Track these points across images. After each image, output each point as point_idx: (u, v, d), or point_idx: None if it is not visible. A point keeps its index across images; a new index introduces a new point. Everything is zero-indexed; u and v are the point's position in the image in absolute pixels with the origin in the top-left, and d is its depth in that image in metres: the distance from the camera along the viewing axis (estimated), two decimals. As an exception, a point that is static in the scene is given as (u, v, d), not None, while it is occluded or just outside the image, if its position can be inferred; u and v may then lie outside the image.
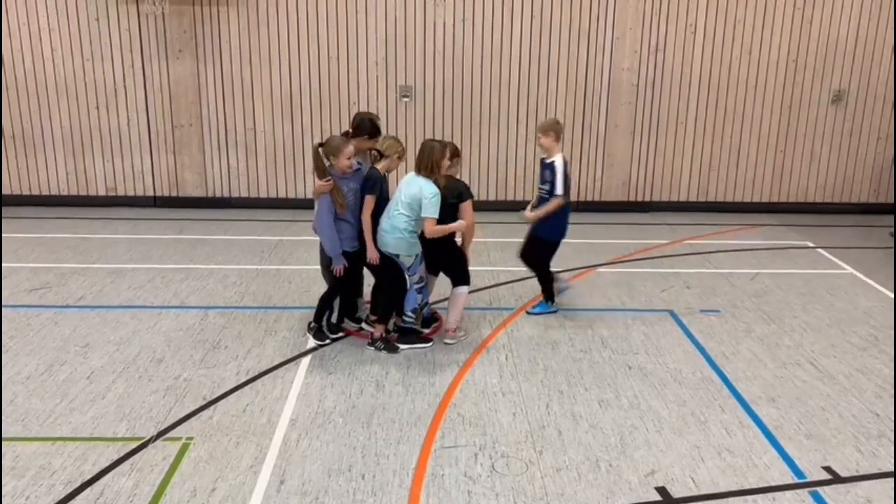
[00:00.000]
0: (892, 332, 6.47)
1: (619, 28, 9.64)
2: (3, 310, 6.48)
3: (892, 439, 4.85)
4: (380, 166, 5.80)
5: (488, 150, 10.06)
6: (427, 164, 5.65)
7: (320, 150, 5.63)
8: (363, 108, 9.73)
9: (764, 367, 5.81)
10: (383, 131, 6.27)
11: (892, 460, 4.63)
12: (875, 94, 10.01)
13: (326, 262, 6.08)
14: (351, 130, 5.99)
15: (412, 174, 5.76)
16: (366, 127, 5.97)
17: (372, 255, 5.80)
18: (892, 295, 7.31)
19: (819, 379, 5.63)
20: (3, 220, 9.02)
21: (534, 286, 7.36)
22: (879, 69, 9.92)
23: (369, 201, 5.69)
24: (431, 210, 5.62)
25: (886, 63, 9.89)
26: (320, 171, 5.63)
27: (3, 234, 8.53)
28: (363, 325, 6.33)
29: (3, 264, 7.64)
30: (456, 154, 5.94)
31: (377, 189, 5.70)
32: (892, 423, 5.04)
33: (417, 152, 5.76)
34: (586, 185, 10.22)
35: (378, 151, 5.81)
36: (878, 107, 10.06)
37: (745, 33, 9.73)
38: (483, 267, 7.65)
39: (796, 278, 7.73)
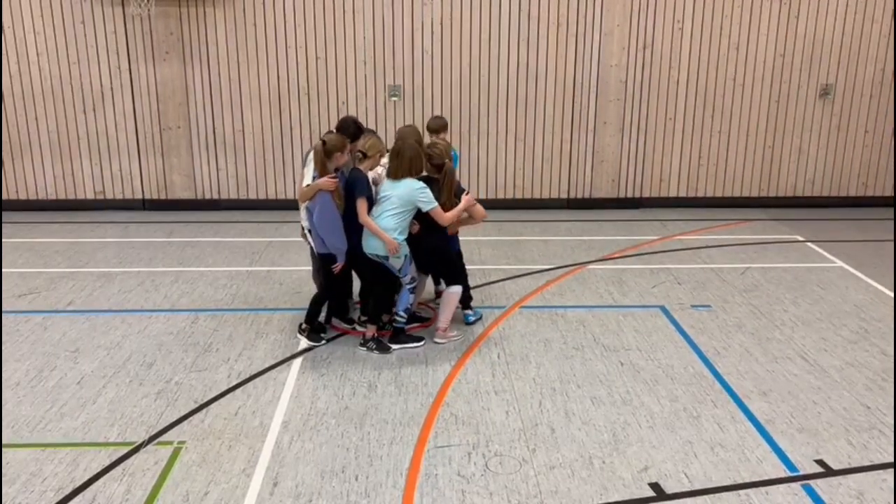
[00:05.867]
0: (882, 325, 6.50)
1: (606, 25, 9.65)
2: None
3: (885, 431, 4.87)
4: (363, 166, 5.77)
5: (477, 149, 10.06)
6: (406, 170, 5.64)
7: (323, 148, 5.60)
8: (352, 108, 9.72)
9: (755, 361, 5.83)
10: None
11: (885, 452, 4.65)
12: (862, 89, 10.06)
13: (317, 264, 6.08)
14: (334, 131, 5.98)
15: (391, 181, 5.72)
16: (349, 128, 5.96)
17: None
18: (881, 287, 7.34)
19: (810, 372, 5.66)
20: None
21: (525, 284, 7.37)
22: (866, 63, 9.96)
23: (362, 203, 5.65)
24: (431, 202, 5.63)
25: (873, 57, 9.93)
26: (324, 169, 5.61)
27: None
28: (356, 325, 6.33)
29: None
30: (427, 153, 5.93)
31: (366, 190, 5.67)
32: (884, 416, 5.06)
33: (392, 156, 5.71)
34: (576, 182, 10.23)
35: (361, 152, 5.77)
36: (866, 101, 10.10)
37: (733, 29, 9.75)
38: (474, 266, 7.65)
39: (786, 272, 7.77)
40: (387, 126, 9.72)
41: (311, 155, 5.73)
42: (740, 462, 4.53)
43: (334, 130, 6.02)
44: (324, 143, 5.60)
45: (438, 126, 6.65)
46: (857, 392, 5.37)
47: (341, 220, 5.68)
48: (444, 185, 5.84)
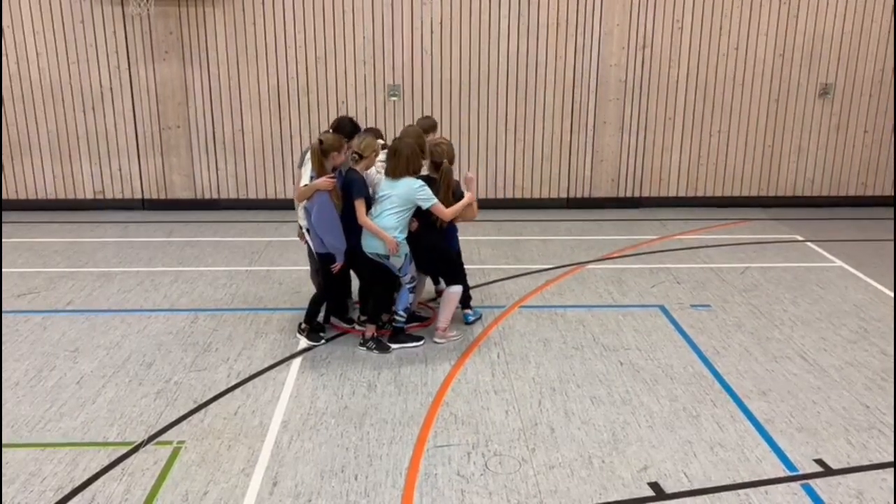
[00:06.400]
0: (882, 325, 6.50)
1: (606, 24, 9.65)
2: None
3: (884, 431, 4.87)
4: (359, 167, 5.75)
5: (477, 148, 10.06)
6: (405, 169, 5.64)
7: (320, 147, 5.59)
8: (351, 108, 9.71)
9: (755, 361, 5.83)
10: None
11: (884, 452, 4.65)
12: (862, 88, 10.05)
13: (316, 265, 6.07)
14: (331, 131, 5.97)
15: (390, 180, 5.72)
16: (346, 127, 5.95)
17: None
18: (881, 287, 7.33)
19: (809, 372, 5.66)
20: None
21: (524, 284, 7.37)
22: (866, 62, 9.95)
23: (360, 204, 5.64)
24: (430, 198, 5.64)
25: (873, 56, 9.93)
26: (322, 168, 5.60)
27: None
28: (355, 325, 6.32)
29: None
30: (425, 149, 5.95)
31: (363, 190, 5.67)
32: (883, 415, 5.06)
33: (390, 155, 5.70)
34: (575, 181, 10.23)
35: (357, 153, 5.76)
36: (865, 100, 10.10)
37: (732, 28, 9.75)
38: (474, 265, 7.65)
39: (786, 272, 7.76)
40: (386, 126, 9.71)
41: (309, 154, 5.73)
42: (740, 462, 4.53)
43: (331, 130, 6.02)
44: (321, 142, 5.59)
45: (427, 126, 6.57)
46: (856, 392, 5.37)
47: (339, 220, 5.67)
48: (442, 185, 5.84)
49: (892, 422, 4.97)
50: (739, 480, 4.35)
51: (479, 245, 8.51)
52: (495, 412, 5.06)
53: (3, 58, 9.47)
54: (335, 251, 5.73)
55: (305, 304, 6.14)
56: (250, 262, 8.02)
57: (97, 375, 5.52)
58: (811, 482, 4.34)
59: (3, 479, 4.31)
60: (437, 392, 5.31)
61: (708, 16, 9.70)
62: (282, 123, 9.89)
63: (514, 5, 9.55)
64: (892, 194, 10.43)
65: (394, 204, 5.62)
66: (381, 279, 5.93)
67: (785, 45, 9.84)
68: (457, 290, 6.08)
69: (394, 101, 9.82)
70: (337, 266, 5.79)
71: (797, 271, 7.79)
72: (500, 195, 10.24)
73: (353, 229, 5.74)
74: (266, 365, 5.70)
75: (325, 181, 5.55)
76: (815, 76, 9.98)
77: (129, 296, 7.05)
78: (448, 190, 5.85)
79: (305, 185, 5.67)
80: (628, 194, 10.31)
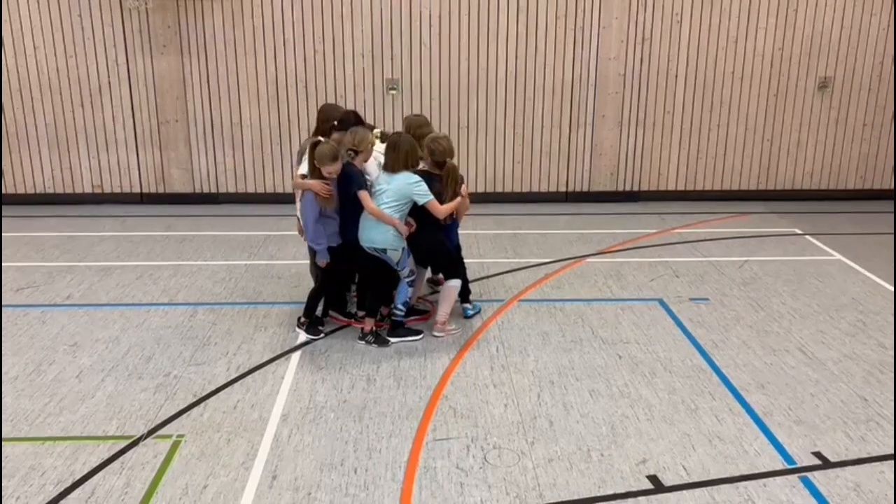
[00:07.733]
0: (880, 318, 6.50)
1: (605, 18, 9.63)
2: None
3: (882, 424, 4.89)
4: (357, 161, 5.74)
5: (476, 142, 10.05)
6: (403, 163, 5.64)
7: (311, 154, 5.59)
8: (350, 101, 9.69)
9: (753, 354, 5.84)
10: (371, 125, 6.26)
11: (882, 444, 4.66)
12: (861, 82, 10.04)
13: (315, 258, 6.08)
14: (336, 123, 5.93)
15: (387, 174, 5.72)
16: (350, 120, 5.92)
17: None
18: (879, 280, 7.34)
19: (808, 365, 5.67)
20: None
21: (523, 278, 7.37)
22: (865, 56, 9.94)
23: (365, 195, 5.64)
24: (426, 194, 5.63)
25: (872, 50, 9.92)
26: (318, 172, 5.59)
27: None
28: (354, 318, 6.32)
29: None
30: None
31: (365, 183, 5.67)
32: (881, 408, 5.07)
33: (388, 150, 5.69)
34: (574, 175, 10.23)
35: (352, 150, 5.73)
36: (864, 94, 10.09)
37: (731, 23, 9.73)
38: (473, 259, 7.65)
39: (784, 265, 7.77)
40: (385, 120, 9.71)
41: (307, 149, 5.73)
42: (738, 454, 4.54)
43: (335, 123, 5.97)
44: (314, 149, 5.58)
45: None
46: (854, 384, 5.38)
47: (319, 221, 5.66)
48: (449, 182, 5.83)
49: (890, 414, 4.99)
50: (738, 473, 4.36)
51: (477, 239, 8.52)
52: (494, 405, 5.07)
53: (2, 52, 9.44)
54: (315, 246, 5.75)
55: (304, 298, 6.15)
56: (249, 256, 8.02)
57: (96, 369, 5.53)
58: (809, 475, 4.35)
59: (3, 473, 4.31)
60: (436, 386, 5.32)
61: (707, 9, 9.68)
62: (280, 117, 9.87)
63: (513, -1, 9.54)
64: (892, 188, 10.43)
65: (390, 198, 5.62)
66: (379, 273, 5.93)
67: (784, 39, 9.82)
68: (455, 283, 6.08)
69: (393, 95, 9.80)
70: (323, 262, 5.80)
71: (796, 265, 7.80)
72: (499, 189, 10.23)
73: (351, 222, 5.74)
74: (265, 359, 5.71)
75: (321, 187, 5.55)
76: (814, 70, 9.97)
77: (127, 290, 7.05)
78: (457, 185, 5.84)
79: (303, 175, 5.68)
80: (627, 188, 10.31)
